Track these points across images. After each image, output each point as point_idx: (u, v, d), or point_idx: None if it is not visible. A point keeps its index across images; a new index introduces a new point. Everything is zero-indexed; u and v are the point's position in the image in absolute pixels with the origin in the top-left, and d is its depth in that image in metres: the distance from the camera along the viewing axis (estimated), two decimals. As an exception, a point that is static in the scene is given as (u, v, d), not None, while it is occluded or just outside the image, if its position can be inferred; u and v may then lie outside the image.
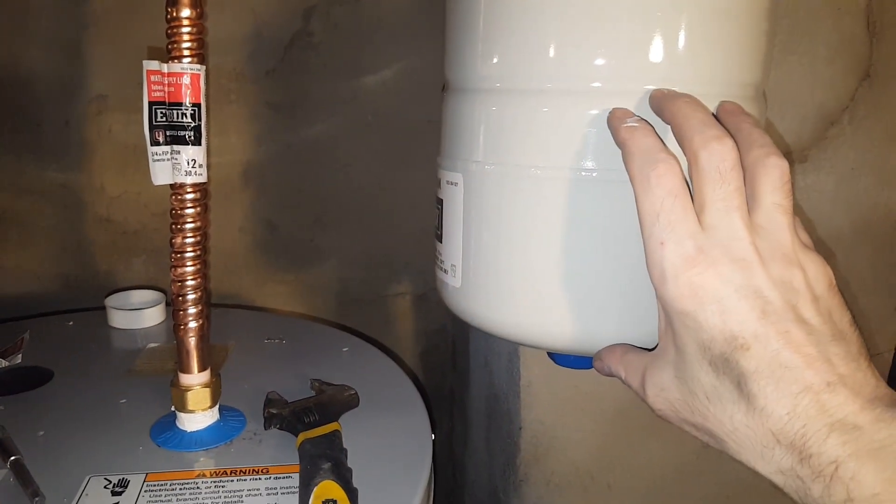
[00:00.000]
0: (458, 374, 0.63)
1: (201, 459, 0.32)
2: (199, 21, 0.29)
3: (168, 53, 0.29)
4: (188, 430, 0.33)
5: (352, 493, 0.28)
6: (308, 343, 0.46)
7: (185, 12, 0.29)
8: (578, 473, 0.49)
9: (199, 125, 0.30)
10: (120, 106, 0.53)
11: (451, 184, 0.28)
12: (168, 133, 0.30)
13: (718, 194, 0.20)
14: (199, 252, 0.32)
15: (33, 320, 0.50)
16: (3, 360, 0.42)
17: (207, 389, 0.33)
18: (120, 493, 0.29)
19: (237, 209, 0.57)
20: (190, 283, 0.32)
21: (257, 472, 0.31)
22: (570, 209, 0.25)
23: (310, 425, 0.32)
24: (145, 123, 0.29)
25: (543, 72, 0.25)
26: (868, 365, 0.19)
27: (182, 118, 0.29)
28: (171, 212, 0.31)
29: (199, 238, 0.32)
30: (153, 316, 0.49)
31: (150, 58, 0.29)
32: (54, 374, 0.41)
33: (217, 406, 0.34)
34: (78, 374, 0.41)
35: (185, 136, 0.29)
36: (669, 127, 0.22)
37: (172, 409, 0.34)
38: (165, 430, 0.34)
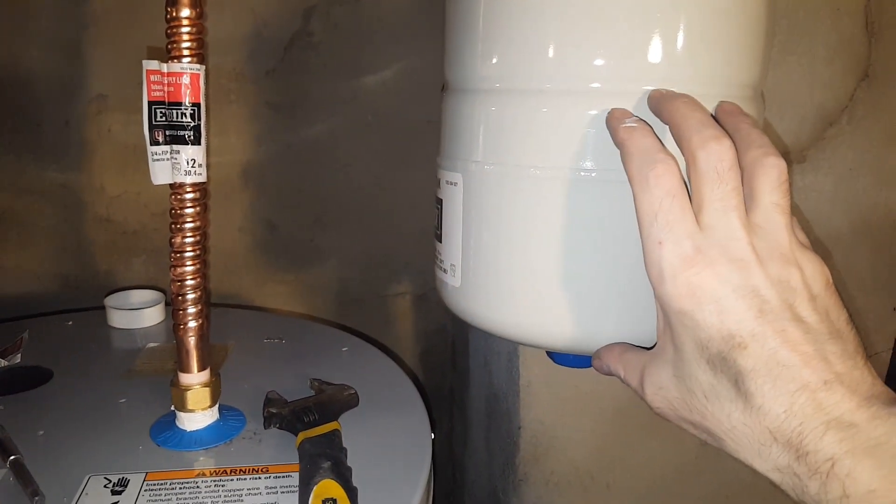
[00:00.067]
0: (458, 373, 0.63)
1: (201, 459, 0.32)
2: (198, 21, 0.29)
3: (168, 53, 0.29)
4: (188, 430, 0.33)
5: (351, 492, 0.28)
6: (308, 343, 0.46)
7: (185, 12, 0.29)
8: (578, 473, 0.49)
9: (199, 125, 0.30)
10: (120, 106, 0.53)
11: (451, 184, 0.29)
12: (168, 133, 0.30)
13: (716, 194, 0.20)
14: (198, 252, 0.32)
15: (33, 320, 0.50)
16: (3, 360, 0.42)
17: (207, 389, 0.33)
18: (120, 493, 0.29)
19: (237, 209, 0.57)
20: (189, 282, 0.32)
21: (257, 472, 0.31)
22: (569, 209, 0.25)
23: (309, 424, 0.32)
24: (145, 123, 0.29)
25: (543, 72, 0.25)
26: (865, 363, 0.19)
27: (182, 118, 0.29)
28: (170, 211, 0.32)
29: (198, 238, 0.32)
30: (153, 316, 0.49)
31: (150, 57, 0.29)
32: (54, 374, 0.41)
33: (217, 405, 0.34)
34: (77, 374, 0.41)
35: (184, 135, 0.30)
36: (668, 127, 0.22)
37: (172, 408, 0.34)
38: (165, 429, 0.34)
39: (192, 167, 0.30)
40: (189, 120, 0.29)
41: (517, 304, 0.27)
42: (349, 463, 0.30)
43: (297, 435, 0.32)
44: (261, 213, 0.58)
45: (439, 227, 0.30)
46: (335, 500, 0.27)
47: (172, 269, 0.32)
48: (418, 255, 0.61)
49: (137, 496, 0.29)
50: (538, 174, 0.25)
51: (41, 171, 0.53)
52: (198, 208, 0.31)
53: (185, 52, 0.29)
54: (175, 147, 0.30)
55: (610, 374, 0.25)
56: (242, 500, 0.29)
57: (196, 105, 0.29)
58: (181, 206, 0.31)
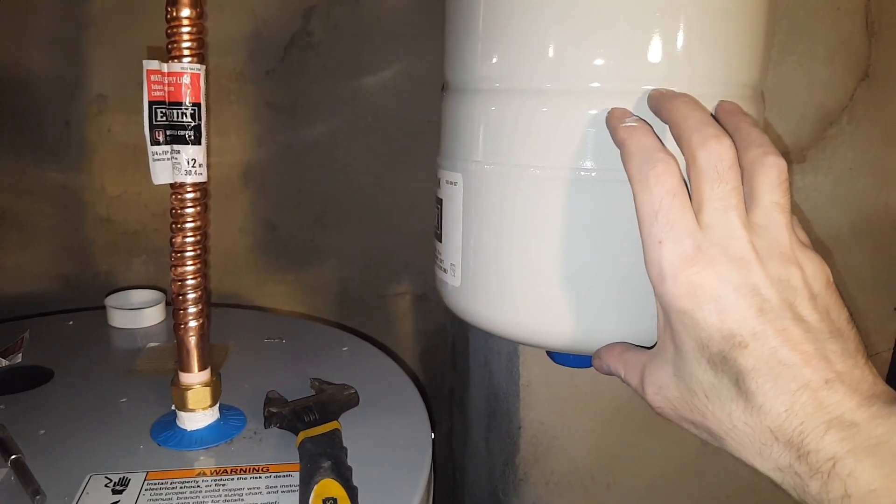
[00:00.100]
0: (458, 373, 0.63)
1: (202, 458, 0.32)
2: (199, 21, 0.29)
3: (168, 53, 0.29)
4: (188, 429, 0.33)
5: (352, 491, 0.28)
6: (308, 343, 0.46)
7: (185, 12, 0.29)
8: (578, 473, 0.49)
9: (199, 125, 0.30)
10: (120, 106, 0.53)
11: (451, 183, 0.29)
12: (168, 132, 0.30)
13: (716, 193, 0.20)
14: (199, 251, 0.32)
15: (34, 320, 0.50)
16: (4, 360, 0.42)
17: (208, 388, 0.33)
18: (121, 492, 0.29)
19: (237, 209, 0.57)
20: (190, 282, 0.32)
21: (258, 471, 0.31)
22: (569, 209, 0.25)
23: (310, 424, 0.32)
24: (145, 123, 0.29)
25: (543, 72, 0.25)
26: (865, 362, 0.19)
27: (182, 118, 0.29)
28: (171, 211, 0.32)
29: (199, 237, 0.32)
30: (153, 315, 0.49)
31: (150, 57, 0.29)
32: (55, 374, 0.41)
33: (217, 405, 0.34)
34: (78, 374, 0.41)
35: (185, 135, 0.30)
36: (668, 127, 0.22)
37: (173, 408, 0.34)
38: (166, 428, 0.34)
39: (193, 167, 0.30)
40: (189, 120, 0.29)
41: (517, 304, 0.27)
42: (349, 462, 0.30)
43: (297, 434, 0.32)
44: (261, 213, 0.58)
45: (439, 226, 0.30)
46: (335, 499, 0.27)
47: (173, 268, 0.32)
48: (418, 255, 0.61)
49: (138, 495, 0.29)
50: (538, 174, 0.25)
51: (42, 171, 0.53)
52: (198, 208, 0.31)
53: (186, 52, 0.29)
54: (175, 147, 0.30)
55: (610, 373, 0.25)
56: (243, 500, 0.29)
57: (196, 105, 0.30)
58: (182, 205, 0.31)
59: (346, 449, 0.31)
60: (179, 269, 0.32)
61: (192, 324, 0.32)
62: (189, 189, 0.31)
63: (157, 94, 0.29)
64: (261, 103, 0.55)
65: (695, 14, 0.23)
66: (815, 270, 0.20)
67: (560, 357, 0.31)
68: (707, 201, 0.20)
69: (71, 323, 0.49)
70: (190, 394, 0.33)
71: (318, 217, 0.59)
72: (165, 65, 0.29)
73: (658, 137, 0.22)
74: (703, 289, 0.19)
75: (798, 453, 0.18)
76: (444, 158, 0.30)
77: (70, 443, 0.33)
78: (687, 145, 0.21)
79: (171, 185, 0.31)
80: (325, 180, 0.58)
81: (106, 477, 0.30)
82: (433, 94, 0.34)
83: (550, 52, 0.24)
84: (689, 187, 0.21)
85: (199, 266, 0.32)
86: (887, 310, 0.49)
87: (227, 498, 0.29)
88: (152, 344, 0.45)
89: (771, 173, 0.20)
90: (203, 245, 0.32)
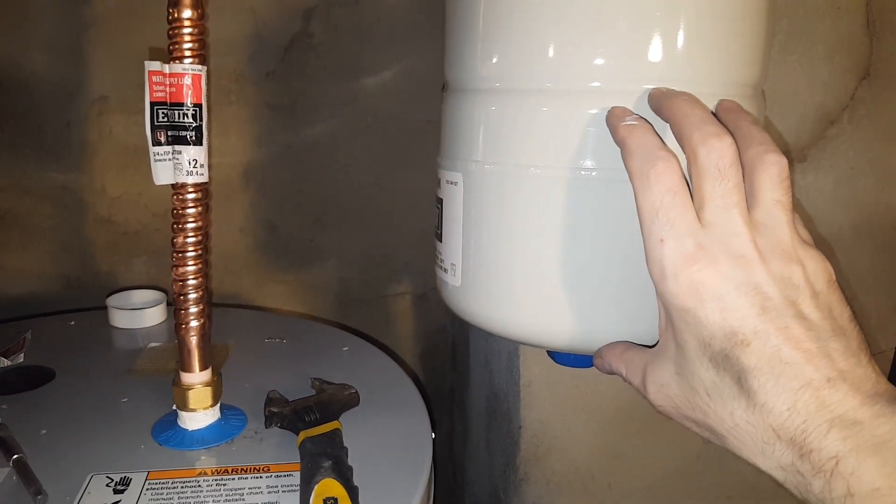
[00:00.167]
0: (458, 373, 0.63)
1: (203, 458, 0.32)
2: (200, 22, 0.30)
3: (169, 54, 0.29)
4: (189, 429, 0.33)
5: (352, 491, 0.28)
6: (308, 342, 0.47)
7: (187, 13, 0.29)
8: (579, 473, 0.49)
9: (201, 125, 0.30)
10: (121, 107, 0.53)
11: (451, 183, 0.29)
12: (169, 133, 0.30)
13: (717, 191, 0.20)
14: (200, 251, 0.32)
15: (35, 320, 0.50)
16: (6, 360, 0.42)
17: (209, 388, 0.33)
18: (122, 492, 0.29)
19: (238, 210, 0.57)
20: (191, 282, 0.32)
21: (258, 471, 0.31)
22: (569, 208, 0.25)
23: (310, 424, 0.32)
24: (147, 123, 0.29)
25: (543, 72, 0.25)
26: (868, 360, 0.19)
27: (183, 118, 0.29)
28: (172, 211, 0.32)
29: (200, 238, 0.32)
30: (154, 315, 0.49)
31: (152, 58, 0.29)
32: (56, 374, 0.41)
33: (218, 405, 0.34)
34: (79, 374, 0.41)
35: (186, 135, 0.30)
36: (668, 125, 0.22)
37: (174, 407, 0.34)
38: (167, 428, 0.34)
39: (194, 167, 0.30)
40: (191, 120, 0.29)
41: (518, 304, 0.27)
42: (350, 462, 0.30)
43: (298, 434, 0.32)
44: (261, 213, 0.58)
45: (439, 226, 0.30)
46: (336, 499, 0.27)
47: (174, 268, 0.32)
48: (418, 254, 0.61)
49: (139, 495, 0.29)
50: (538, 173, 0.25)
51: (43, 172, 0.53)
52: (199, 208, 0.31)
53: (187, 53, 0.29)
54: (177, 147, 0.30)
55: (611, 372, 0.25)
56: (244, 499, 0.29)
57: (198, 105, 0.30)
58: (183, 206, 0.31)
59: (346, 449, 0.31)
60: (181, 270, 0.32)
61: (194, 324, 0.32)
62: (190, 189, 0.31)
63: (159, 94, 0.29)
64: (261, 104, 0.55)
65: (695, 13, 0.23)
66: (817, 268, 0.20)
67: (561, 357, 0.31)
68: (708, 199, 0.20)
69: (72, 323, 0.49)
70: (191, 393, 0.33)
71: (318, 217, 0.59)
72: (167, 66, 0.29)
73: (659, 136, 0.22)
74: (704, 287, 0.19)
75: (800, 452, 0.18)
76: (445, 158, 0.30)
77: (71, 442, 0.33)
78: (688, 143, 0.21)
79: (172, 185, 0.31)
80: (325, 180, 0.58)
81: (107, 476, 0.30)
82: (433, 94, 0.34)
83: (550, 52, 0.24)
84: (691, 185, 0.21)
85: (200, 266, 0.32)
86: (889, 309, 0.49)
87: (228, 497, 0.29)
88: (153, 344, 0.46)
89: (772, 171, 0.20)
90: (204, 245, 0.32)
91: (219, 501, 0.29)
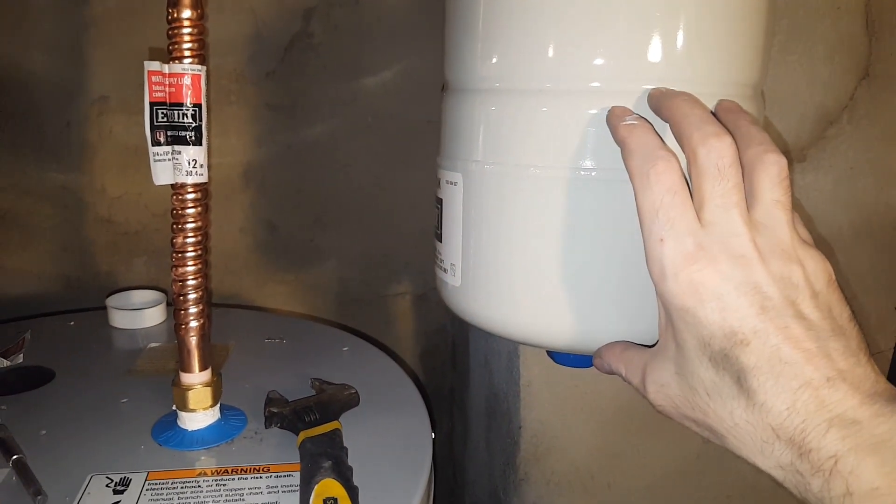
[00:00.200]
0: (458, 373, 0.63)
1: (202, 458, 0.32)
2: (199, 22, 0.30)
3: (169, 54, 0.29)
4: (189, 429, 0.33)
5: (352, 491, 0.28)
6: (308, 343, 0.47)
7: (186, 13, 0.29)
8: (578, 473, 0.49)
9: (200, 125, 0.30)
10: (121, 107, 0.53)
11: (451, 183, 0.29)
12: (169, 133, 0.30)
13: (717, 191, 0.20)
14: (200, 252, 0.32)
15: (35, 320, 0.50)
16: (5, 360, 0.42)
17: (208, 388, 0.33)
18: (122, 492, 0.29)
19: (237, 210, 0.57)
20: (191, 282, 0.32)
21: (258, 471, 0.31)
22: (569, 208, 0.25)
23: (310, 424, 0.32)
24: (146, 124, 0.29)
25: (543, 72, 0.25)
26: (868, 360, 0.19)
27: (183, 118, 0.29)
28: (172, 212, 0.32)
29: (200, 238, 0.32)
30: (154, 316, 0.49)
31: (151, 59, 0.29)
32: (56, 374, 0.41)
33: (218, 405, 0.34)
34: (79, 374, 0.41)
35: (185, 136, 0.30)
36: (668, 125, 0.22)
37: (174, 408, 0.34)
38: (167, 429, 0.34)
39: (194, 168, 0.30)
40: (190, 120, 0.29)
41: (517, 304, 0.27)
42: (350, 462, 0.30)
43: (298, 434, 0.32)
44: (261, 213, 0.58)
45: (439, 226, 0.30)
46: (336, 499, 0.27)
47: (174, 269, 0.32)
48: (418, 254, 0.61)
49: (139, 495, 0.29)
50: (538, 173, 0.25)
51: (43, 172, 0.53)
52: (199, 209, 0.31)
53: (187, 53, 0.29)
54: (176, 147, 0.30)
55: (611, 372, 0.25)
56: (244, 500, 0.29)
57: (197, 106, 0.30)
58: (182, 206, 0.31)
59: (346, 449, 0.31)
60: (180, 270, 0.32)
61: (193, 324, 0.32)
62: (190, 189, 0.31)
63: (159, 94, 0.29)
64: (261, 104, 0.55)
65: (694, 13, 0.23)
66: (816, 268, 0.20)
67: (560, 357, 0.31)
68: (708, 199, 0.20)
69: (72, 323, 0.49)
70: (191, 394, 0.33)
71: (318, 217, 0.59)
72: (166, 66, 0.29)
73: (659, 135, 0.22)
74: (704, 287, 0.19)
75: (800, 451, 0.18)
76: (444, 158, 0.30)
77: (71, 443, 0.33)
78: (687, 143, 0.21)
79: (171, 185, 0.31)
80: (325, 180, 0.58)
81: (107, 477, 0.30)
82: (433, 94, 0.34)
83: (550, 52, 0.24)
84: (690, 185, 0.21)
85: (199, 266, 0.32)
86: (888, 309, 0.49)
87: (228, 498, 0.29)
88: (153, 344, 0.46)
89: (771, 171, 0.20)
90: (204, 245, 0.32)
91: (219, 502, 0.29)
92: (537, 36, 0.25)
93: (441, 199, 0.30)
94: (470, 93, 0.28)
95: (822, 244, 0.22)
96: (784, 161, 0.20)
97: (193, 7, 0.29)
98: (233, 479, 0.30)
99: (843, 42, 0.43)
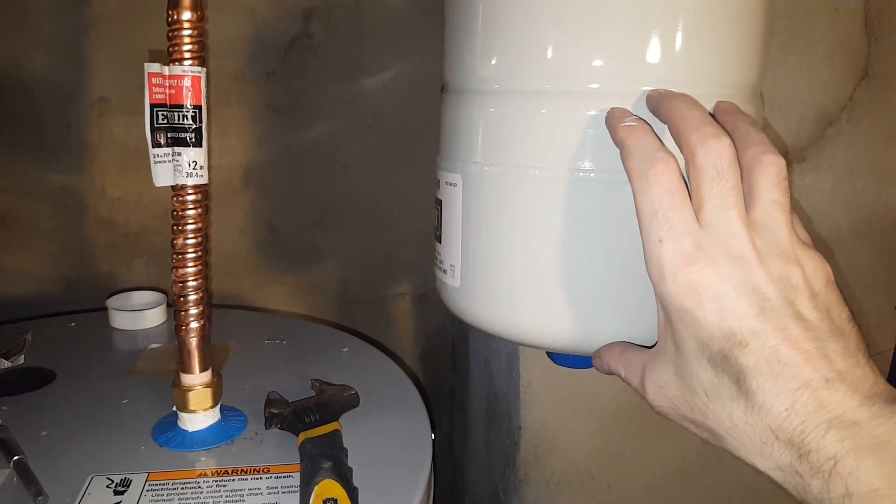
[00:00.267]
0: (458, 374, 0.63)
1: (203, 459, 0.32)
2: (199, 24, 0.30)
3: (169, 56, 0.29)
4: (190, 430, 0.33)
5: (352, 492, 0.28)
6: (308, 343, 0.47)
7: (186, 15, 0.29)
8: (578, 473, 0.49)
9: (200, 127, 0.30)
10: (121, 108, 0.53)
11: (450, 184, 0.29)
12: (169, 135, 0.30)
13: (716, 192, 0.20)
14: (200, 253, 0.32)
15: (35, 321, 0.50)
16: (6, 361, 0.42)
17: (209, 389, 0.33)
18: (122, 493, 0.29)
19: (237, 211, 0.57)
20: (191, 283, 0.32)
21: (258, 472, 0.31)
22: (568, 209, 0.25)
23: (310, 425, 0.33)
24: (147, 125, 0.29)
25: (542, 73, 0.25)
26: (867, 361, 0.19)
27: (183, 120, 0.29)
28: (172, 213, 0.32)
29: (200, 239, 0.32)
30: (154, 317, 0.49)
31: (151, 60, 0.29)
32: (56, 375, 0.41)
33: (218, 406, 0.35)
34: (80, 375, 0.41)
35: (186, 137, 0.30)
36: (667, 127, 0.22)
37: (174, 409, 0.34)
38: (167, 430, 0.34)
39: (194, 169, 0.30)
40: (190, 122, 0.29)
41: (517, 305, 0.27)
42: (350, 463, 0.30)
43: (298, 435, 0.32)
44: (261, 214, 0.58)
45: (439, 227, 0.30)
46: (336, 500, 0.27)
47: (174, 270, 0.32)
48: (418, 255, 0.61)
49: (140, 496, 0.29)
50: (537, 175, 0.25)
51: (43, 173, 0.53)
52: (199, 210, 0.31)
53: (187, 55, 0.29)
54: (177, 149, 0.30)
55: (610, 373, 0.25)
56: (244, 500, 0.29)
57: (197, 107, 0.30)
58: (183, 207, 0.31)
59: (346, 450, 0.31)
60: (181, 271, 0.32)
61: (194, 325, 0.32)
62: (190, 191, 0.31)
63: (159, 96, 0.29)
64: (261, 105, 0.55)
65: (693, 15, 0.23)
66: (815, 269, 0.20)
67: (560, 358, 0.31)
68: (707, 199, 0.20)
69: (73, 324, 0.49)
70: (191, 395, 0.33)
71: (318, 218, 0.59)
72: (166, 67, 0.29)
73: (658, 137, 0.22)
74: (703, 287, 0.19)
75: (799, 452, 0.18)
76: (444, 160, 0.30)
77: (72, 444, 0.33)
78: (686, 144, 0.21)
79: (172, 187, 0.31)
80: (325, 181, 0.58)
81: (108, 478, 0.30)
82: (433, 95, 0.34)
83: (549, 54, 0.24)
84: (689, 186, 0.21)
85: (200, 267, 0.32)
86: (888, 309, 0.49)
87: (228, 498, 0.29)
88: (153, 345, 0.46)
89: (770, 172, 0.20)
90: (204, 247, 0.32)
91: (219, 502, 0.29)
92: (536, 37, 0.25)
93: (440, 201, 0.30)
94: (469, 94, 0.28)
95: (821, 245, 0.22)
96: (782, 162, 0.20)
97: (193, 9, 0.29)
98: (233, 480, 0.30)
99: (843, 42, 0.43)
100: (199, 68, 0.29)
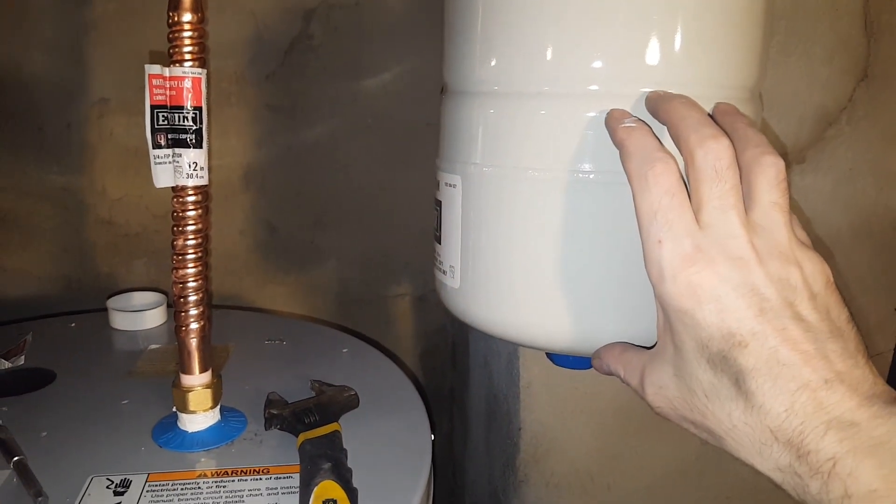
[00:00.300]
0: (458, 374, 0.63)
1: (202, 460, 0.32)
2: (200, 25, 0.30)
3: (169, 57, 0.30)
4: (189, 431, 0.33)
5: (352, 493, 0.28)
6: (308, 344, 0.47)
7: (187, 16, 0.29)
8: (578, 474, 0.49)
9: (201, 128, 0.30)
10: (121, 109, 0.53)
11: (450, 186, 0.29)
12: (170, 136, 0.30)
13: (715, 192, 0.20)
14: (200, 254, 0.32)
15: (35, 322, 0.50)
16: (6, 362, 0.42)
17: (209, 390, 0.33)
18: (122, 494, 0.29)
19: (238, 211, 0.57)
20: (191, 284, 0.32)
21: (258, 473, 0.31)
22: (567, 211, 0.25)
23: (310, 426, 0.33)
24: (147, 127, 0.29)
25: (541, 75, 0.25)
26: (866, 362, 0.19)
27: (183, 121, 0.29)
28: (172, 214, 0.32)
29: (200, 240, 0.32)
30: (154, 317, 0.49)
31: (152, 61, 0.29)
32: (57, 376, 0.41)
33: (218, 407, 0.35)
34: (80, 376, 0.41)
35: (186, 139, 0.30)
36: (666, 128, 0.22)
37: (174, 409, 0.34)
38: (167, 430, 0.34)
39: (194, 170, 0.30)
40: (191, 123, 0.30)
41: (516, 306, 0.27)
42: (349, 464, 0.30)
43: (297, 436, 0.32)
44: (261, 214, 0.58)
45: (438, 228, 0.30)
46: (335, 500, 0.27)
47: (174, 271, 0.32)
48: (418, 255, 0.61)
49: (139, 497, 0.29)
50: (536, 176, 0.25)
51: (43, 173, 0.53)
52: (199, 211, 0.32)
53: (187, 56, 0.29)
54: (177, 150, 0.30)
55: (610, 373, 0.25)
56: (244, 501, 0.29)
57: (198, 109, 0.30)
58: (183, 208, 0.31)
59: (346, 450, 0.31)
60: (181, 272, 0.32)
61: (194, 326, 0.33)
62: (190, 192, 0.31)
63: (159, 98, 0.29)
64: (261, 105, 0.55)
65: (692, 17, 0.24)
66: (814, 270, 0.20)
67: (559, 359, 0.31)
68: (706, 201, 0.20)
69: (73, 325, 0.49)
70: (191, 395, 0.33)
71: (318, 218, 0.59)
72: (167, 69, 0.29)
73: (657, 138, 0.22)
74: (702, 288, 0.19)
75: (798, 453, 0.18)
76: (443, 161, 0.30)
77: (72, 444, 0.33)
78: (685, 145, 0.21)
79: (172, 188, 0.31)
80: (325, 182, 0.58)
81: (107, 478, 0.30)
82: (433, 95, 0.34)
83: (549, 55, 0.24)
84: (688, 187, 0.21)
85: (200, 268, 0.32)
86: (888, 310, 0.49)
87: (228, 499, 0.29)
88: (153, 346, 0.46)
89: (769, 173, 0.20)
90: (204, 247, 0.32)
91: (218, 503, 0.29)
92: (536, 39, 0.25)
93: (440, 202, 0.30)
94: (469, 95, 0.28)
95: (820, 246, 0.22)
96: (781, 163, 0.20)
97: (194, 10, 0.29)
98: (232, 481, 0.30)
99: (842, 43, 0.43)
100: (199, 70, 0.30)
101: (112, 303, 0.49)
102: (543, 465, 0.49)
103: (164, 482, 0.30)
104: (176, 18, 0.29)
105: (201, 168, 0.30)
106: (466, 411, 0.60)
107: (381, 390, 0.39)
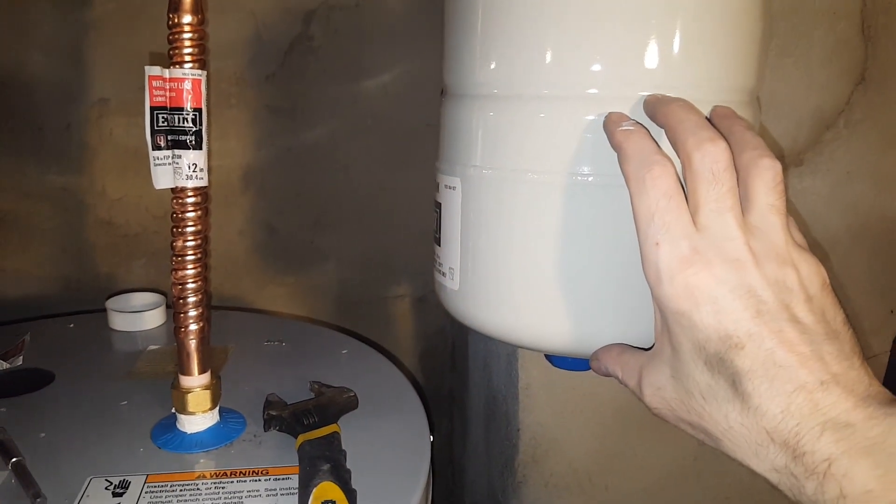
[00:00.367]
0: (457, 375, 0.63)
1: (201, 461, 0.32)
2: (200, 27, 0.30)
3: (169, 59, 0.30)
4: (188, 432, 0.34)
5: (350, 494, 0.28)
6: (307, 345, 0.47)
7: (187, 18, 0.29)
8: (577, 475, 0.50)
9: (200, 130, 0.30)
10: (121, 109, 0.53)
11: (450, 188, 0.29)
12: (169, 137, 0.30)
13: (712, 195, 0.20)
14: (199, 255, 0.32)
15: (34, 322, 0.50)
16: (5, 363, 0.42)
17: (208, 391, 0.33)
18: (121, 495, 0.29)
19: (237, 212, 0.57)
20: (190, 285, 0.32)
21: (257, 474, 0.31)
22: (566, 213, 0.25)
23: (309, 427, 0.33)
24: (147, 128, 0.29)
25: (540, 78, 0.25)
26: (861, 363, 0.19)
27: (183, 123, 0.30)
28: (172, 215, 0.32)
29: (199, 241, 0.32)
30: (154, 318, 0.49)
31: (152, 62, 0.29)
32: (55, 377, 0.41)
33: (217, 408, 0.35)
34: (79, 377, 0.41)
35: (186, 140, 0.30)
36: (663, 131, 0.22)
37: (173, 410, 0.34)
38: (166, 431, 0.34)
39: (194, 171, 0.30)
40: (191, 125, 0.30)
41: (515, 308, 0.27)
42: (348, 465, 0.30)
43: (296, 437, 0.32)
44: (261, 215, 0.58)
45: (438, 230, 0.30)
46: (334, 502, 0.27)
47: (174, 272, 0.32)
48: (417, 257, 0.61)
49: (138, 498, 0.29)
50: (536, 178, 0.25)
51: (43, 174, 0.54)
52: (199, 212, 0.32)
53: (187, 58, 0.29)
54: (177, 152, 0.30)
55: (608, 375, 0.25)
56: (242, 502, 0.29)
57: (198, 110, 0.30)
58: (182, 210, 0.31)
59: (345, 452, 0.31)
60: (180, 273, 0.32)
61: (193, 327, 0.33)
62: (190, 193, 0.31)
63: (159, 99, 0.29)
64: (261, 107, 0.55)
65: (690, 20, 0.24)
66: (811, 272, 0.20)
67: (558, 360, 0.31)
68: (703, 203, 0.20)
69: (72, 325, 0.49)
70: (190, 397, 0.33)
71: (317, 219, 0.59)
72: (167, 70, 0.29)
73: (655, 140, 0.22)
74: (699, 290, 0.19)
75: (794, 454, 0.18)
76: (443, 163, 0.30)
77: (71, 445, 0.33)
78: (682, 148, 0.21)
79: (172, 189, 0.31)
80: (324, 183, 0.58)
81: (106, 479, 0.30)
82: (432, 97, 0.34)
83: (548, 59, 0.25)
84: (686, 190, 0.21)
85: (199, 269, 0.32)
86: (884, 312, 0.49)
87: (227, 500, 0.29)
88: (153, 347, 0.46)
89: (766, 175, 0.20)
90: (203, 249, 0.33)
91: (218, 504, 0.29)
92: (535, 42, 0.25)
93: (440, 204, 0.30)
94: (468, 98, 0.28)
95: (817, 248, 0.23)
96: (778, 166, 0.20)
97: (194, 12, 0.29)
98: (231, 482, 0.30)
99: (840, 46, 0.43)
100: (199, 71, 0.30)
101: (111, 303, 0.49)
102: (542, 466, 0.49)
103: (163, 483, 0.30)
104: (176, 20, 0.29)
105: (201, 169, 0.31)
106: (466, 412, 0.60)
107: (381, 391, 0.39)
